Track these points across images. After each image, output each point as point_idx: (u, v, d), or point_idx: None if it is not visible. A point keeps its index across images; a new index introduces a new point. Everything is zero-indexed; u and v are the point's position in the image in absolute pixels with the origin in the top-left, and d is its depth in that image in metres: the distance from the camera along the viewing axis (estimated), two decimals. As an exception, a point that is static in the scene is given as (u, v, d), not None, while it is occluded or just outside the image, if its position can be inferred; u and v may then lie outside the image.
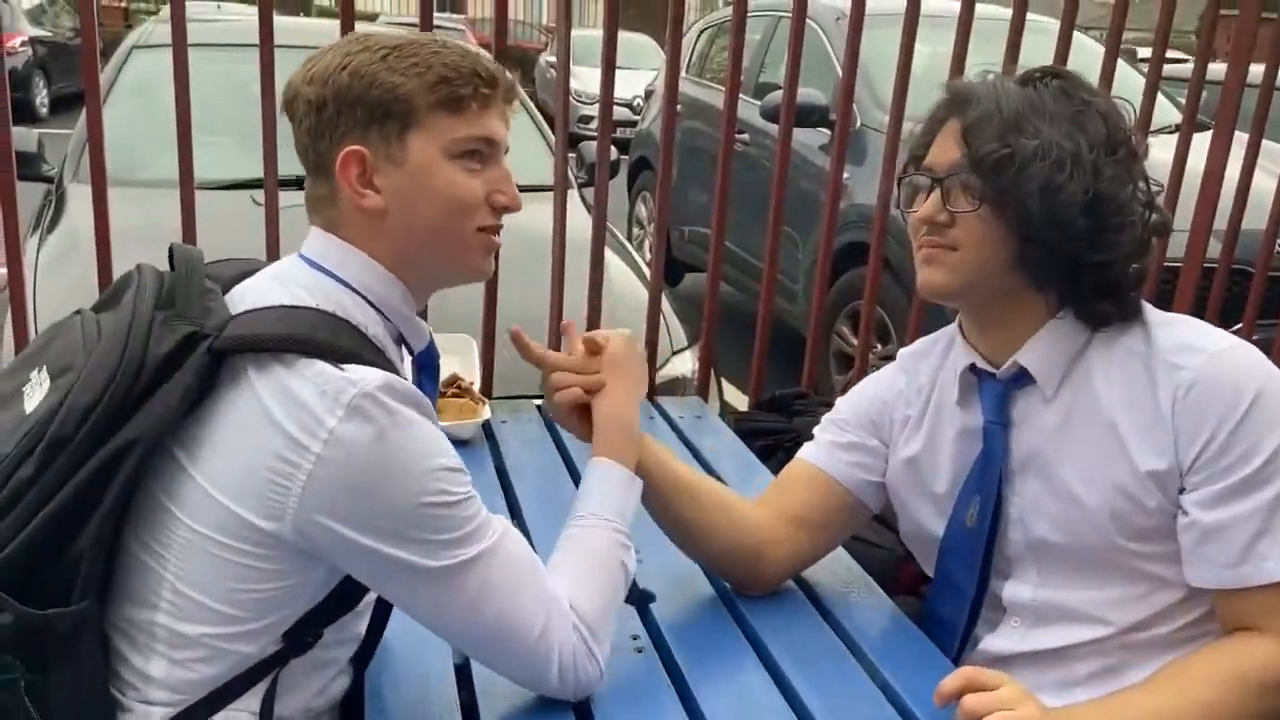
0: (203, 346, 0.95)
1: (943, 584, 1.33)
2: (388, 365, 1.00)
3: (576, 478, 1.71)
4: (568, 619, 1.04)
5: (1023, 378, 1.24)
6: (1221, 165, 2.48)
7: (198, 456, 0.96)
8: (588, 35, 10.58)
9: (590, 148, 2.99)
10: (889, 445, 1.37)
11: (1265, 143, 2.71)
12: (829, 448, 1.39)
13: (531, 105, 3.70)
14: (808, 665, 1.22)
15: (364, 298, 1.04)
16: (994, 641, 1.27)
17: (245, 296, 1.02)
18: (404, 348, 1.10)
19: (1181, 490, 1.15)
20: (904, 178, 1.27)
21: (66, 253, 2.65)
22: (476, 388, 1.94)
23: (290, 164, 1.07)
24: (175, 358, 0.94)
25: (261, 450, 0.93)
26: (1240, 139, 2.61)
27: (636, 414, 1.21)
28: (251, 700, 1.00)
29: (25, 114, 10.02)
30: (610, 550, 1.12)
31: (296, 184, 1.16)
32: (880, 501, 1.39)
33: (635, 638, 1.24)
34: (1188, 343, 1.17)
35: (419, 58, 1.01)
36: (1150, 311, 1.22)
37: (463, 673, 1.14)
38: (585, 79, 7.99)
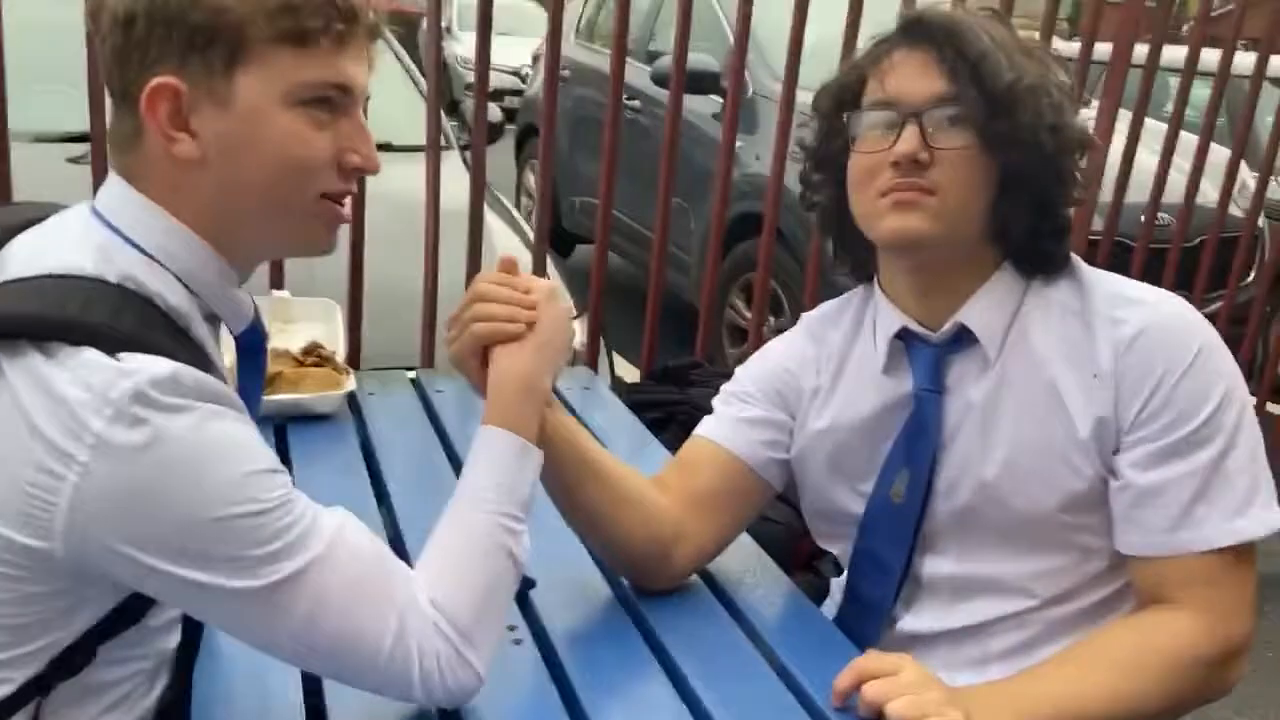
0: None
1: (865, 562, 1.23)
2: (192, 351, 0.83)
3: (453, 456, 1.58)
4: (428, 622, 0.89)
5: (961, 340, 1.15)
6: (1105, 140, 2.52)
7: None
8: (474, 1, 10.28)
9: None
10: (795, 418, 1.26)
11: (1149, 121, 2.77)
12: (733, 423, 1.26)
13: (410, 62, 3.52)
14: (702, 654, 1.13)
15: (165, 267, 0.86)
16: (910, 621, 1.20)
17: (16, 256, 0.84)
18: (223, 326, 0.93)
19: (1116, 451, 1.09)
20: (855, 113, 1.12)
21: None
22: (340, 357, 1.79)
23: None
24: None
25: (17, 457, 0.76)
26: (1124, 116, 2.67)
27: (544, 376, 1.03)
28: None
29: None
30: (490, 536, 0.95)
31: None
32: (784, 481, 1.29)
33: (513, 628, 1.13)
34: (1124, 295, 1.12)
35: None
36: (1077, 263, 1.17)
37: (311, 675, 1.00)
38: (470, 45, 7.76)
